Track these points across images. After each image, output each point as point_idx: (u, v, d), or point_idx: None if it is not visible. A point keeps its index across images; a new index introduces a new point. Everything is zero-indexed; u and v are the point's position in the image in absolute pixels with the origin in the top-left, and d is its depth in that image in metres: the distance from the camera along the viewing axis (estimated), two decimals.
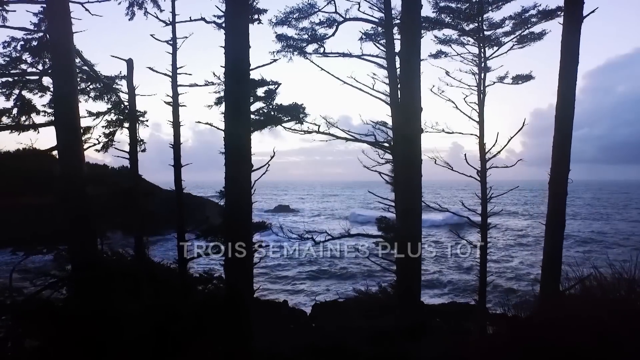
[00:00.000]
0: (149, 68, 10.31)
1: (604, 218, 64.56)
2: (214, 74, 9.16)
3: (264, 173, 8.84)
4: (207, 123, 9.37)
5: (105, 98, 12.07)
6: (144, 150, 13.82)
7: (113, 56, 10.08)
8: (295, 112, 8.77)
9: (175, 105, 10.36)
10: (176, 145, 10.37)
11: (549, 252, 6.86)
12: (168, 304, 7.17)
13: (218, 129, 8.76)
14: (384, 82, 11.78)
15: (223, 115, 7.16)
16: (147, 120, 13.30)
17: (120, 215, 12.75)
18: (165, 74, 10.23)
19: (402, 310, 7.47)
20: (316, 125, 11.81)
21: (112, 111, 12.56)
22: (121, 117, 13.10)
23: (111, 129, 13.10)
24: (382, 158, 12.65)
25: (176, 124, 10.41)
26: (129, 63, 10.48)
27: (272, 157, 8.53)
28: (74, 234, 8.91)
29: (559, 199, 6.70)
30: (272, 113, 8.55)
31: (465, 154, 11.81)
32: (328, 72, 11.29)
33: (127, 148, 12.33)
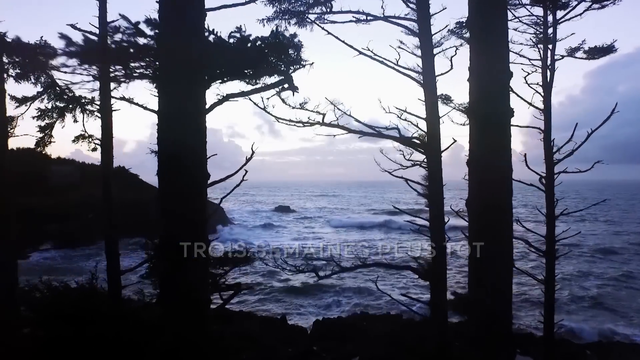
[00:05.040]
0: (70, 25, 6.82)
1: None
2: (148, 20, 5.18)
3: (239, 183, 5.62)
4: (121, 98, 5.91)
5: (32, 78, 8.79)
6: (94, 150, 10.58)
7: None
8: (279, 56, 4.81)
9: (104, 81, 6.95)
10: (105, 142, 6.96)
11: None
12: None
13: (145, 109, 5.42)
14: (414, 54, 8.53)
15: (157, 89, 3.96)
16: (96, 111, 10.02)
17: None
18: (89, 33, 6.79)
19: None
20: (320, 114, 8.58)
21: (45, 96, 9.29)
22: (60, 105, 9.83)
23: (47, 121, 9.85)
24: (408, 160, 9.37)
25: (105, 109, 7.03)
26: None
27: (249, 159, 5.13)
28: None
29: None
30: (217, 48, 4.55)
31: (525, 155, 8.53)
32: (337, 38, 8.03)
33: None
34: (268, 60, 4.15)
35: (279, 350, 16.41)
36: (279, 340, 17.38)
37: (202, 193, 4.01)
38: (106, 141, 6.97)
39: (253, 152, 5.11)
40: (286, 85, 4.29)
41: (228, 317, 17.62)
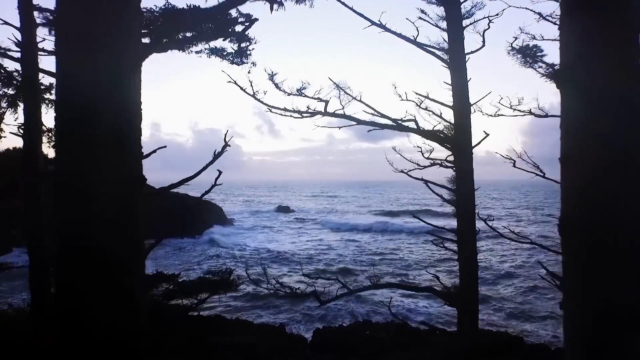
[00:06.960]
0: None
1: None
2: None
3: (212, 186, 4.02)
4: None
5: None
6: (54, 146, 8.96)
7: None
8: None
9: (28, 48, 5.15)
10: (29, 128, 5.18)
11: None
12: None
13: (43, 72, 3.81)
14: (438, 26, 6.91)
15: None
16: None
17: None
18: None
19: None
20: (322, 101, 6.99)
21: None
22: (10, 92, 8.22)
23: None
24: (428, 158, 7.76)
25: (30, 89, 5.29)
26: None
27: (219, 154, 3.44)
28: None
29: None
30: None
31: None
32: (344, 4, 6.39)
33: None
34: None
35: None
36: (277, 352, 16.05)
37: (132, 200, 2.40)
38: (31, 126, 5.18)
39: (226, 143, 3.50)
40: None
41: (221, 326, 16.34)
